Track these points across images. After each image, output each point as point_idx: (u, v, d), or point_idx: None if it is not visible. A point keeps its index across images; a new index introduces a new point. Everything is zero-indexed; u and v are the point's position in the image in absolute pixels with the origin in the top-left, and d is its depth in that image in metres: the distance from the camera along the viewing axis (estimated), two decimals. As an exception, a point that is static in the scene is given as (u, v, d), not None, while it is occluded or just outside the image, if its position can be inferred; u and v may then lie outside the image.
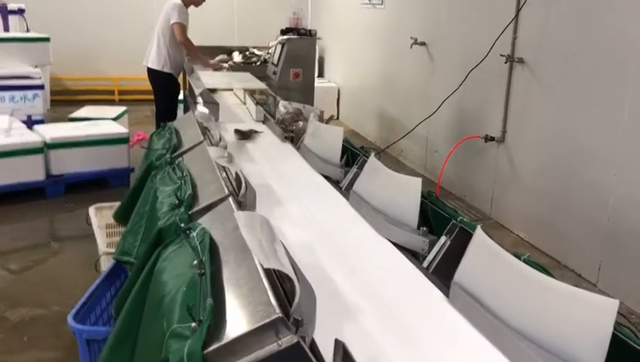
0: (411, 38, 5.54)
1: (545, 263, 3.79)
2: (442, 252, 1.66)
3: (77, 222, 3.98)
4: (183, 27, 4.89)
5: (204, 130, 2.83)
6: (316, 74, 8.52)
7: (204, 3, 5.17)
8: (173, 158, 2.45)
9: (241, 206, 1.90)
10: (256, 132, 3.26)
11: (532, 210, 4.07)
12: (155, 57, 5.06)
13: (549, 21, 3.81)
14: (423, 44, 5.49)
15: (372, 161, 2.10)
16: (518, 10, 4.02)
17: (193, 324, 1.20)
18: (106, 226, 3.33)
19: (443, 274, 1.62)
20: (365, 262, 1.75)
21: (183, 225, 1.70)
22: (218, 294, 1.31)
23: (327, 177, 2.52)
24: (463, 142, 4.64)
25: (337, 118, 8.15)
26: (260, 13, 8.80)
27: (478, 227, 1.46)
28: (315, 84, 8.13)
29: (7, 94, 5.36)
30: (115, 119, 5.72)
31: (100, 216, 3.32)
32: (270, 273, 1.33)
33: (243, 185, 2.05)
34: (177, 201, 1.92)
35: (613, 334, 1.13)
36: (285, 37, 4.67)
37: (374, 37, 6.78)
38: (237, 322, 1.20)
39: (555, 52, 3.77)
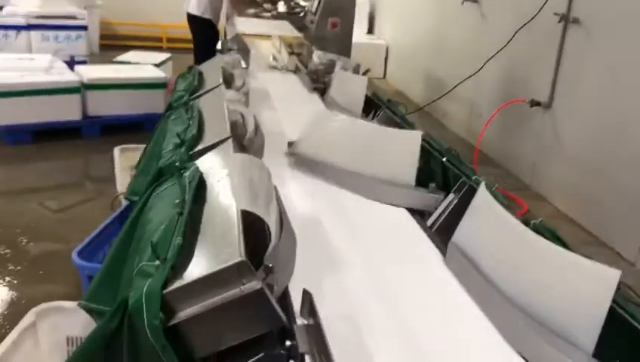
0: (463, -7, 5.27)
1: (583, 239, 3.62)
2: (448, 210, 1.54)
3: (110, 164, 4.01)
4: None
5: (228, 75, 2.74)
6: (365, 28, 8.33)
7: None
8: (188, 100, 2.38)
9: (244, 150, 1.82)
10: None
11: (574, 181, 3.84)
12: (195, 3, 4.98)
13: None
14: (475, 1, 5.20)
15: (382, 115, 1.97)
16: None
17: (157, 262, 1.14)
18: (130, 168, 3.32)
19: (447, 233, 1.50)
20: (365, 215, 1.65)
21: (178, 164, 1.64)
22: (192, 235, 1.24)
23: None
24: (508, 107, 4.40)
25: (384, 77, 7.94)
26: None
27: (482, 183, 1.33)
28: (363, 40, 7.97)
29: (51, 34, 5.41)
30: (158, 65, 5.70)
31: (125, 158, 3.32)
32: (252, 218, 1.25)
33: (251, 129, 1.97)
34: (179, 141, 1.86)
35: (616, 309, 1.00)
36: (326, -15, 4.50)
37: (426, -7, 6.49)
38: (202, 264, 1.13)
39: (614, 13, 3.47)
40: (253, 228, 1.25)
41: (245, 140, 1.90)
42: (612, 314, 0.97)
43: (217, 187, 1.45)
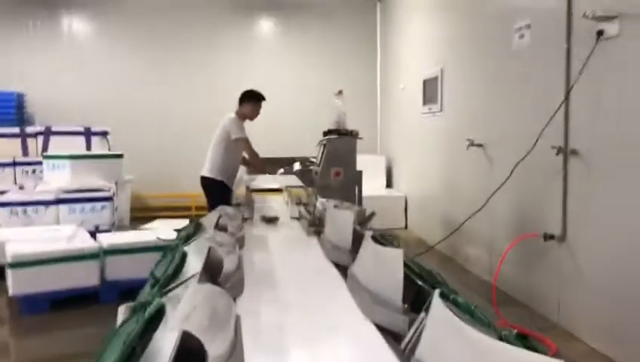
0: (467, 140, 5.43)
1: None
2: (419, 330, 1.44)
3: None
4: (247, 142, 5.06)
5: (224, 222, 2.81)
6: (384, 183, 8.58)
7: (257, 118, 5.42)
8: (176, 245, 2.42)
9: (218, 284, 1.80)
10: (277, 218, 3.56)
11: (603, 315, 3.60)
12: (208, 166, 5.25)
13: (600, 111, 3.59)
14: (479, 145, 5.35)
15: (366, 240, 1.95)
16: (567, 99, 3.85)
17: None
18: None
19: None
20: (339, 344, 1.56)
21: (143, 301, 1.62)
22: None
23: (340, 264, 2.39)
24: (524, 243, 4.31)
25: (406, 228, 7.97)
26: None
27: (436, 293, 1.26)
28: (383, 194, 8.16)
29: (77, 206, 5.71)
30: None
31: (129, 315, 3.28)
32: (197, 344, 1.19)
33: (229, 267, 1.97)
34: (154, 281, 1.86)
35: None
36: (326, 137, 4.73)
37: (435, 144, 6.73)
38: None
39: (609, 141, 3.51)
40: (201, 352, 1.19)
41: (221, 277, 1.89)
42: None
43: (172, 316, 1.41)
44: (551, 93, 4.02)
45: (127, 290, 4.73)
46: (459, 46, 6.06)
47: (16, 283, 4.44)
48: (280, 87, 9.02)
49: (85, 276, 4.62)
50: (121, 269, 4.74)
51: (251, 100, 5.34)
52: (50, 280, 4.48)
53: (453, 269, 5.76)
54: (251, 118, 5.37)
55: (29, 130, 6.84)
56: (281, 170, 5.55)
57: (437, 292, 1.25)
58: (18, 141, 6.64)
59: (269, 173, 5.23)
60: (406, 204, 8.03)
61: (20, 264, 4.44)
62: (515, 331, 1.34)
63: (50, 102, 8.52)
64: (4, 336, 4.35)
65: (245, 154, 5.23)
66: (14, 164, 6.52)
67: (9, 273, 4.51)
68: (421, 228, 7.43)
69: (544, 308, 4.23)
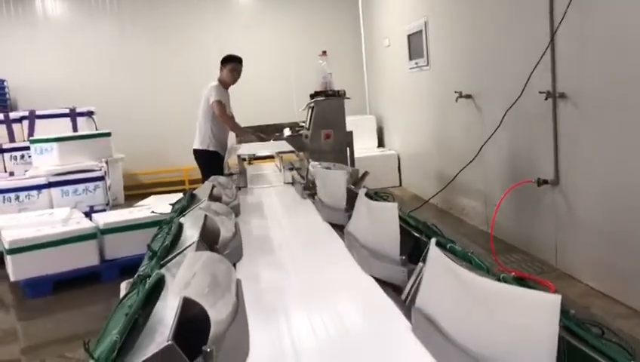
0: (456, 92, 5.40)
1: (619, 312, 3.38)
2: (418, 280, 1.46)
3: (129, 305, 3.97)
4: (220, 104, 5.05)
5: (217, 191, 2.80)
6: (376, 142, 8.56)
7: (238, 80, 5.36)
8: (172, 218, 2.42)
9: (215, 251, 1.80)
10: None
11: (599, 255, 3.65)
12: (198, 138, 5.22)
13: (585, 52, 3.56)
14: (468, 96, 5.33)
15: (360, 197, 1.95)
16: (552, 42, 3.82)
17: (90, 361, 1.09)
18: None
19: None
20: (341, 299, 1.58)
21: (142, 273, 1.62)
22: (136, 333, 1.20)
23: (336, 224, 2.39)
24: (518, 190, 4.33)
25: (400, 185, 7.99)
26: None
27: (432, 241, 1.26)
28: (375, 153, 8.15)
29: (70, 188, 5.67)
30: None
31: (132, 291, 3.30)
32: (199, 309, 1.20)
33: (226, 234, 1.97)
34: (151, 253, 1.86)
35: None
36: (313, 100, 4.69)
37: (424, 99, 6.69)
38: (137, 357, 1.08)
39: (595, 82, 3.49)
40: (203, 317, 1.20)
41: (219, 244, 1.89)
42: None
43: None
44: (537, 38, 3.98)
45: (128, 267, 4.76)
46: (441, -3, 5.97)
47: (16, 269, 4.45)
48: (263, 53, 8.91)
49: (85, 256, 4.63)
50: (119, 247, 4.75)
51: (228, 63, 5.30)
52: (51, 262, 4.49)
53: (450, 222, 5.80)
54: (232, 82, 5.32)
55: (13, 115, 6.74)
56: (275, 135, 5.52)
57: (433, 240, 1.26)
58: (4, 127, 6.53)
59: (263, 140, 5.20)
60: (399, 162, 8.03)
61: (18, 249, 4.44)
62: (513, 274, 1.34)
63: (32, 86, 8.39)
64: (11, 321, 4.38)
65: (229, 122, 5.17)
66: (2, 150, 6.44)
67: (9, 259, 4.51)
68: (416, 184, 7.45)
69: (542, 253, 4.28)
